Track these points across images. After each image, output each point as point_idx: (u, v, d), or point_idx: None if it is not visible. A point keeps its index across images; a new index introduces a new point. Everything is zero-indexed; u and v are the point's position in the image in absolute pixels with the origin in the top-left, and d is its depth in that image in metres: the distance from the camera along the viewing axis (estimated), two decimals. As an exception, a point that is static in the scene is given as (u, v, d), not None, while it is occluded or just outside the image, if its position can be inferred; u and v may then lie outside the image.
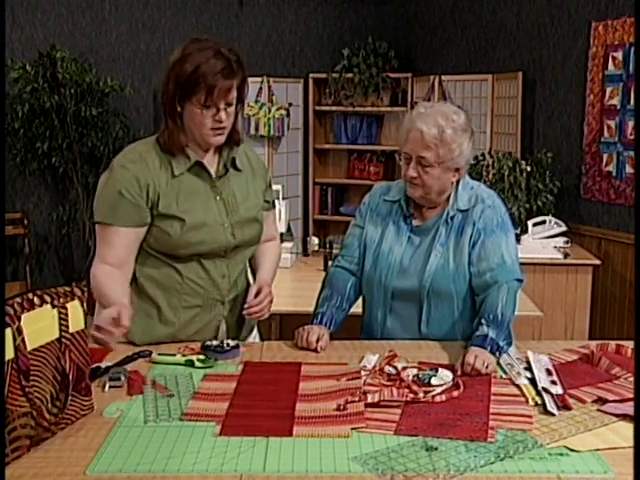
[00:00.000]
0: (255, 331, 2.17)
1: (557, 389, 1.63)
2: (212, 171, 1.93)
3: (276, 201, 2.31)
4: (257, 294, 1.96)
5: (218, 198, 1.93)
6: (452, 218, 1.99)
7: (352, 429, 1.45)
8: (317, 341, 1.91)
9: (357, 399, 1.56)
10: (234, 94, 1.83)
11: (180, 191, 1.88)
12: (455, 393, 1.62)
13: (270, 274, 2.08)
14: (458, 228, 1.99)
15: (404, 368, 1.73)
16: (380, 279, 2.02)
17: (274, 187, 2.22)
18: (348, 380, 1.68)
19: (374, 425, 1.47)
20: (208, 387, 1.66)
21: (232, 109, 1.85)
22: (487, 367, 1.74)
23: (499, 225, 1.98)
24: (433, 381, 1.65)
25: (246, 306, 1.94)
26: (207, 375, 1.73)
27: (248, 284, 2.08)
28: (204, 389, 1.64)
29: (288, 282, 3.37)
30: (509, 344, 1.88)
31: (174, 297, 1.93)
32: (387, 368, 1.75)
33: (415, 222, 2.04)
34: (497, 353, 1.82)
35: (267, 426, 1.45)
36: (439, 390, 1.62)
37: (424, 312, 1.99)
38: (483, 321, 1.87)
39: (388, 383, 1.67)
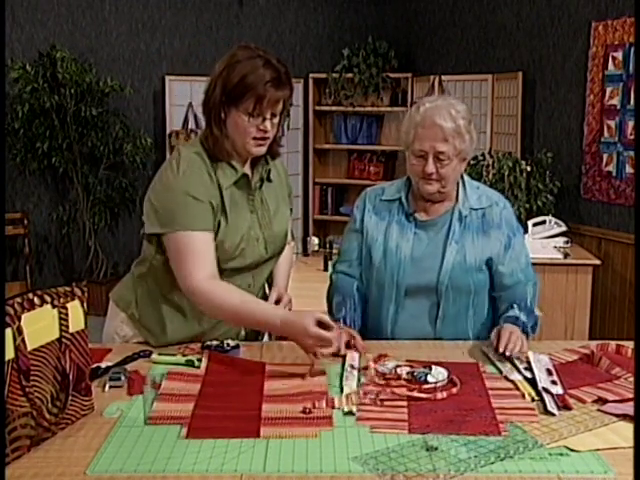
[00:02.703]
0: (266, 335, 2.17)
1: (557, 389, 1.63)
2: (252, 183, 1.91)
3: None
4: (277, 302, 1.95)
5: (253, 211, 1.91)
6: (466, 216, 2.01)
7: (368, 429, 1.45)
8: (348, 345, 1.87)
9: (324, 404, 1.55)
10: (281, 105, 1.82)
11: (226, 203, 1.84)
12: (454, 390, 1.63)
13: (286, 279, 2.09)
14: (477, 227, 2.02)
15: (397, 367, 1.74)
16: (392, 276, 2.02)
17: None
18: (312, 377, 1.68)
19: (387, 425, 1.47)
20: (172, 387, 1.63)
21: (277, 120, 1.84)
22: (522, 345, 1.81)
23: (517, 226, 2.09)
24: (429, 378, 1.65)
25: None
26: (169, 374, 1.70)
27: (264, 289, 2.05)
28: (168, 389, 1.62)
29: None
30: (534, 330, 1.98)
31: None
32: (381, 367, 1.75)
33: (420, 217, 2.04)
34: (526, 337, 1.88)
35: (234, 427, 1.44)
36: (439, 387, 1.63)
37: (441, 308, 2.00)
38: (515, 305, 1.98)
39: (382, 382, 1.67)
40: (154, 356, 1.83)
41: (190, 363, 1.78)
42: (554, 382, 1.67)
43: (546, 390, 1.62)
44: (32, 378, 1.34)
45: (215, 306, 1.78)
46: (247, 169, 1.91)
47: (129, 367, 1.76)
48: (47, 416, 1.38)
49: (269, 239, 1.93)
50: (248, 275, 1.94)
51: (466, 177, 2.08)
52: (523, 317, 1.94)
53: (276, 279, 2.04)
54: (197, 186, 1.79)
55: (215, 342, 1.87)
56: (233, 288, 1.79)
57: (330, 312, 2.09)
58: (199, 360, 1.78)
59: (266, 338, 2.16)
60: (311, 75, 5.80)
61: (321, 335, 1.67)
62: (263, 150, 1.86)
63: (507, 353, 1.78)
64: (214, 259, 1.80)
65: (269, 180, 1.96)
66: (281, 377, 1.70)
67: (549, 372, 1.73)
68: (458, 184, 2.04)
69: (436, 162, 1.93)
